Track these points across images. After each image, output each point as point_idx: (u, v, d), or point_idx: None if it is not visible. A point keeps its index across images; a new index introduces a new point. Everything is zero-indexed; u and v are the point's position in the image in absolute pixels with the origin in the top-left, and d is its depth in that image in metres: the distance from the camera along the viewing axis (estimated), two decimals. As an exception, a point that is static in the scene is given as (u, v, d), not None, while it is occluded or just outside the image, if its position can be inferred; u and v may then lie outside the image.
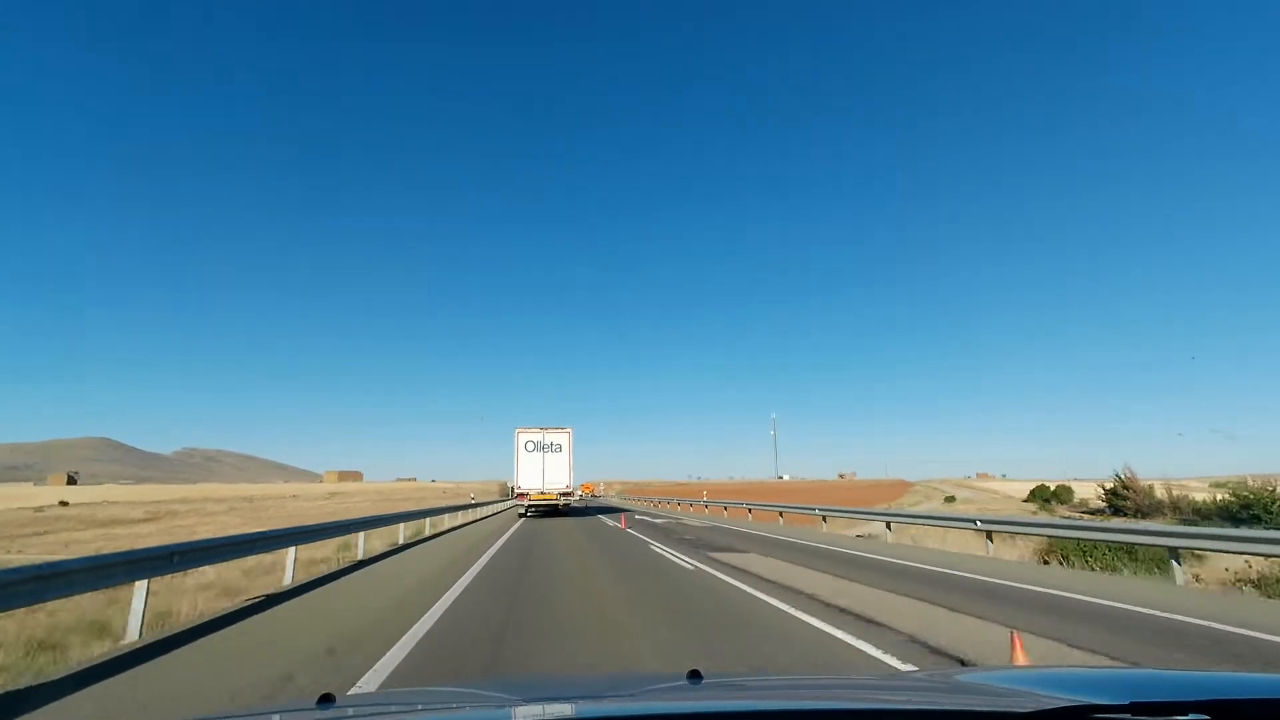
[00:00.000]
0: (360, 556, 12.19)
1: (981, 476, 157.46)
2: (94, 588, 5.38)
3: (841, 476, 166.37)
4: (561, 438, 27.10)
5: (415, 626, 5.99)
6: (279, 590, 8.39)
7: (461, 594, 7.84)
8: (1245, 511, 26.48)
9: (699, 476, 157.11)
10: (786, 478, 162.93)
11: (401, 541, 16.15)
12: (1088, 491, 68.88)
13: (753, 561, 11.01)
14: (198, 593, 8.00)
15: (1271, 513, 25.55)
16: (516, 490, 27.24)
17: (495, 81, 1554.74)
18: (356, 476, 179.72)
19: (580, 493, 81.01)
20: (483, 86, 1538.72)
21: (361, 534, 12.66)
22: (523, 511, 27.33)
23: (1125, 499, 43.64)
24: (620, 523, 20.16)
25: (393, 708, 1.88)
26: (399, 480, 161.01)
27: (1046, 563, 12.13)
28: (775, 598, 7.34)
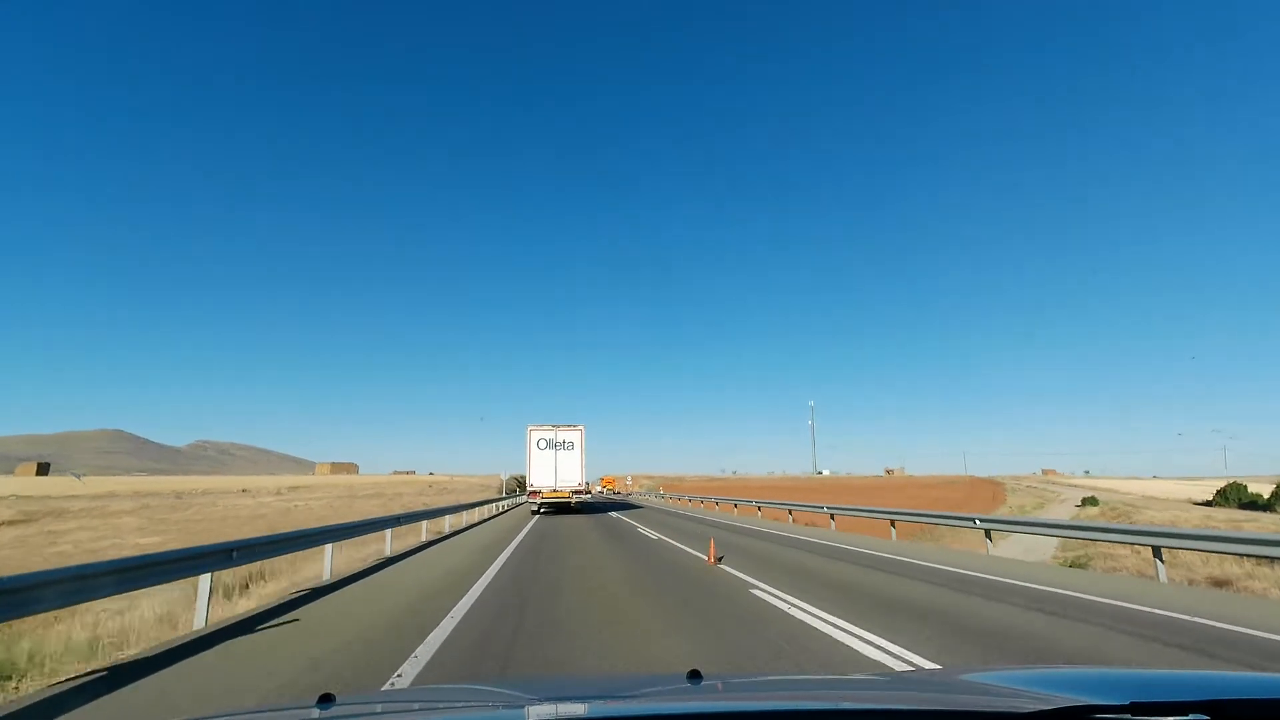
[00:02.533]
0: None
1: (1048, 473, 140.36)
2: None
3: (889, 472, 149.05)
4: (574, 435, 26.59)
5: None
6: None
7: None
8: None
9: (734, 471, 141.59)
10: (826, 473, 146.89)
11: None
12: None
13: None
14: None
15: None
16: (529, 487, 26.40)
17: (503, 79, 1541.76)
18: (351, 469, 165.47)
19: (602, 488, 64.30)
20: (490, 84, 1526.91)
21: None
22: (535, 509, 26.45)
23: None
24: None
25: (393, 707, 1.86)
26: (395, 473, 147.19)
27: None
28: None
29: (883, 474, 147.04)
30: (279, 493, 61.08)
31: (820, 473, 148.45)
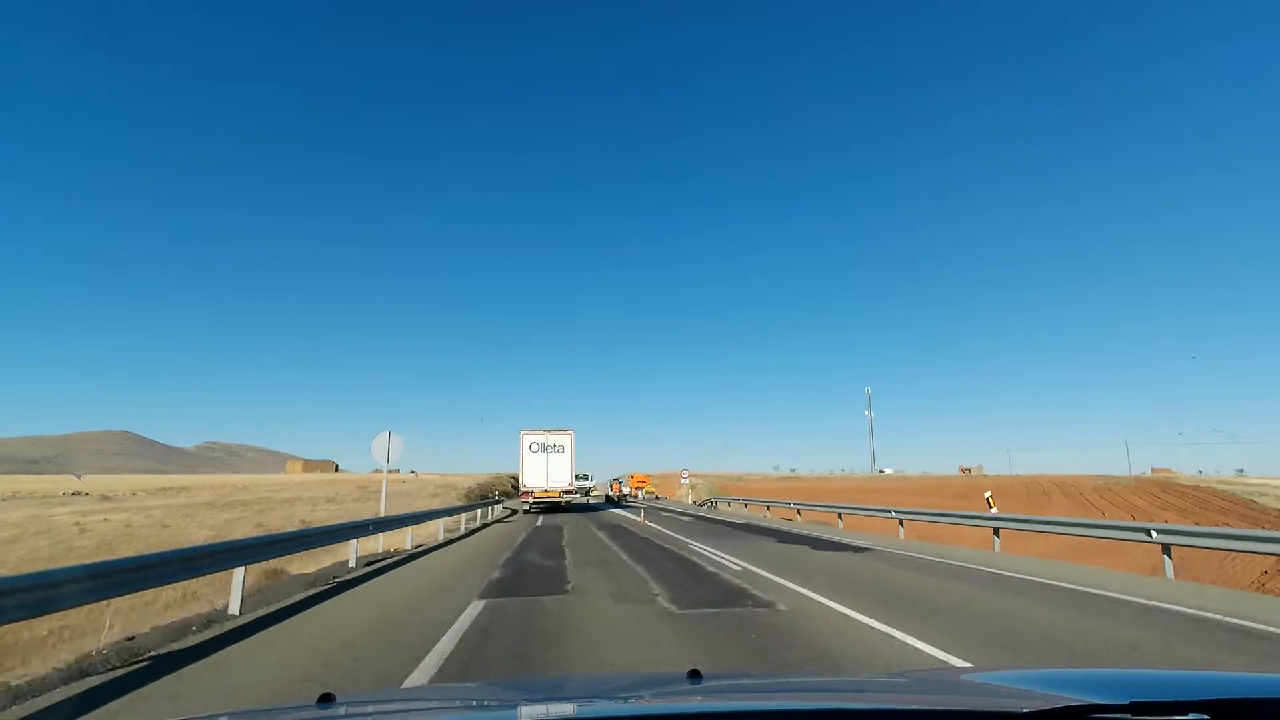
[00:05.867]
0: None
1: (1160, 472, 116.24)
2: None
3: (966, 471, 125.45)
4: (564, 439, 27.46)
5: None
6: None
7: None
8: None
9: (791, 469, 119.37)
10: (889, 471, 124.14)
11: None
12: None
13: None
14: None
15: None
16: (523, 488, 26.86)
17: (504, 76, 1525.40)
18: (328, 466, 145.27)
19: (631, 490, 45.90)
20: (490, 82, 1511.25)
21: None
22: (527, 508, 27.21)
23: None
24: None
25: (393, 707, 1.87)
26: (375, 472, 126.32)
27: None
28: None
29: (958, 473, 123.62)
30: (99, 500, 39.07)
31: (881, 471, 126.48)
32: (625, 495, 42.60)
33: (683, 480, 44.07)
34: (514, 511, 28.55)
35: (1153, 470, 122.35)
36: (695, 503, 39.10)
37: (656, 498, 43.30)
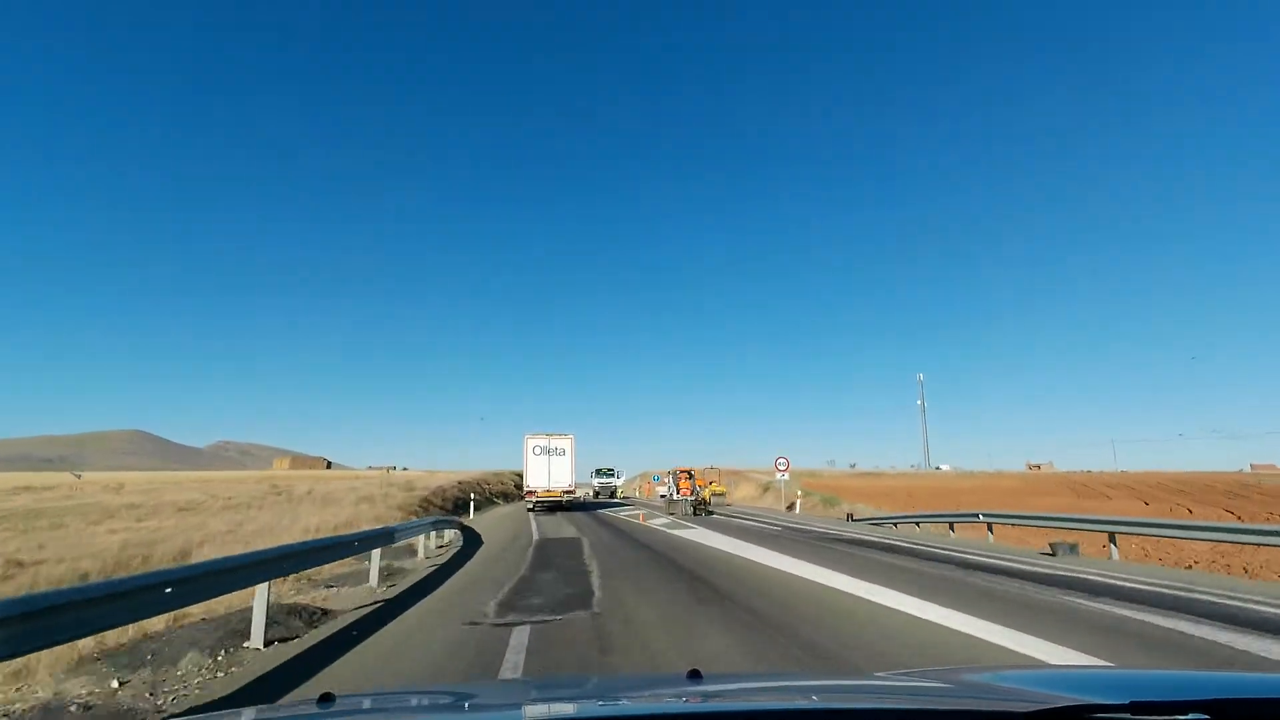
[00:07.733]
0: None
1: (1261, 469, 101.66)
2: None
3: (1034, 468, 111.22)
4: (564, 443, 28.42)
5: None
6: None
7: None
8: None
9: (852, 464, 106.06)
10: (946, 468, 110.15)
11: None
12: None
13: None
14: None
15: None
16: (526, 488, 28.08)
17: (508, 83, 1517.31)
18: (318, 463, 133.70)
19: (680, 491, 31.85)
20: (496, 89, 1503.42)
21: None
22: (530, 507, 27.81)
23: None
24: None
25: (393, 705, 1.86)
26: (370, 469, 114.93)
27: None
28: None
29: (1025, 469, 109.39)
30: None
31: (938, 468, 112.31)
32: (702, 503, 27.50)
33: (779, 475, 28.64)
34: (475, 543, 13.89)
35: (1252, 466, 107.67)
36: (850, 517, 24.88)
37: (724, 499, 29.96)
